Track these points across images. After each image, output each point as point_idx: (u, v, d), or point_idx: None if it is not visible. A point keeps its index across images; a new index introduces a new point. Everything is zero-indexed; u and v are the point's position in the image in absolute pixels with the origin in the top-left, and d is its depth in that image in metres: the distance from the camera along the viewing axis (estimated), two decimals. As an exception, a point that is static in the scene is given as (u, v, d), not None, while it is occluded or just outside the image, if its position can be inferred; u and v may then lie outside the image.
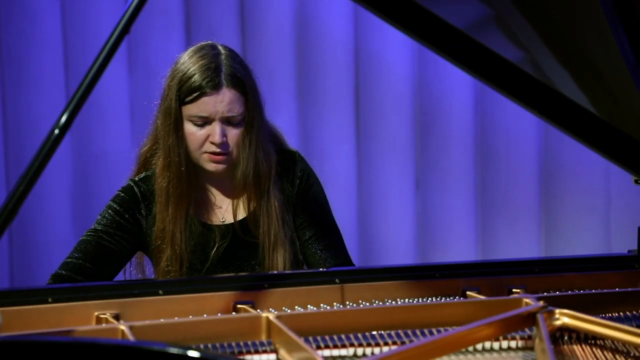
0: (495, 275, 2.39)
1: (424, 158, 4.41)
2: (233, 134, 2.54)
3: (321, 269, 2.56)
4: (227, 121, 2.53)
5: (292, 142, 4.39)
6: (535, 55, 2.25)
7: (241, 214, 2.64)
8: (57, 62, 4.47)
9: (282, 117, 4.41)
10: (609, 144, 2.20)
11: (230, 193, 2.65)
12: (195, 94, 2.51)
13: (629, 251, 2.52)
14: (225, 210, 2.65)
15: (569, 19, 2.24)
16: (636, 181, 2.37)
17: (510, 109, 4.20)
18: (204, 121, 2.53)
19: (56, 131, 1.89)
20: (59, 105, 4.27)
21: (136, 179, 2.66)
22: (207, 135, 2.53)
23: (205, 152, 2.55)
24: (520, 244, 4.33)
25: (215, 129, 2.52)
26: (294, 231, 2.67)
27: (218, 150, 2.53)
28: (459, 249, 4.38)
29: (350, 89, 4.44)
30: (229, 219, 2.64)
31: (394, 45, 4.35)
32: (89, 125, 4.44)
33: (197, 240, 2.61)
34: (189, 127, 2.54)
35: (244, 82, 2.53)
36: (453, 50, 2.08)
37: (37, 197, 4.33)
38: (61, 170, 4.46)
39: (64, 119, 1.90)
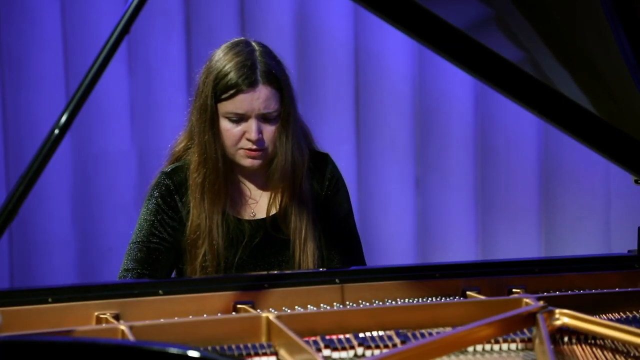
0: (495, 275, 2.39)
1: (424, 158, 4.41)
2: (269, 130, 2.55)
3: (321, 269, 2.56)
4: (262, 118, 2.53)
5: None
6: (535, 55, 2.25)
7: (273, 210, 2.64)
8: (57, 62, 4.47)
9: (282, 117, 4.41)
10: (609, 144, 2.21)
11: (263, 188, 2.64)
12: (231, 92, 2.52)
13: (629, 251, 2.52)
14: (257, 204, 2.65)
15: (569, 19, 2.24)
16: (636, 181, 2.37)
17: (510, 109, 4.20)
18: (240, 118, 2.53)
19: (56, 131, 1.89)
20: (59, 105, 4.27)
21: (167, 170, 2.64)
22: (243, 131, 2.53)
23: (241, 148, 2.55)
24: (520, 244, 4.33)
25: (252, 126, 2.52)
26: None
27: (254, 146, 2.53)
28: (459, 249, 4.38)
29: (350, 89, 4.44)
30: (260, 214, 2.64)
31: (394, 45, 4.35)
32: (89, 125, 4.44)
33: (231, 235, 2.61)
34: (225, 124, 2.55)
35: (279, 79, 2.54)
36: (453, 50, 2.08)
37: (37, 197, 4.33)
38: (61, 170, 4.46)
39: (64, 119, 1.90)
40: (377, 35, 4.35)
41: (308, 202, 2.62)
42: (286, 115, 2.56)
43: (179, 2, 4.50)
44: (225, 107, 2.53)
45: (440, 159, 4.38)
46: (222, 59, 2.55)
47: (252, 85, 2.51)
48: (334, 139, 4.42)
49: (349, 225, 2.71)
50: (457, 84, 4.32)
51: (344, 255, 2.67)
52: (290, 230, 2.61)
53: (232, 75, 2.51)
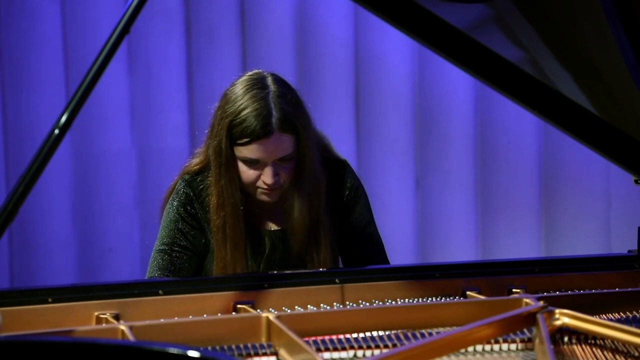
0: (495, 275, 2.39)
1: (424, 158, 4.41)
2: (285, 169, 2.53)
3: (321, 269, 2.56)
4: (278, 160, 2.51)
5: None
6: (535, 55, 2.25)
7: (290, 222, 2.61)
8: (57, 62, 4.47)
9: (282, 117, 4.40)
10: (609, 144, 2.20)
11: (281, 203, 2.61)
12: (246, 139, 2.49)
13: (629, 251, 2.52)
14: (275, 216, 2.64)
15: (569, 19, 2.24)
16: (636, 181, 2.37)
17: (510, 109, 4.20)
18: (256, 162, 2.51)
19: (56, 131, 1.89)
20: (59, 105, 4.27)
21: (186, 177, 2.63)
22: (258, 174, 2.52)
23: (258, 187, 2.54)
24: (520, 244, 4.33)
25: (268, 171, 2.51)
26: (339, 241, 2.67)
27: (270, 187, 2.52)
28: (459, 249, 4.38)
29: (350, 89, 4.44)
30: (277, 226, 2.64)
31: (394, 45, 4.35)
32: (89, 125, 4.45)
33: (254, 245, 2.61)
34: (241, 166, 2.53)
35: (294, 123, 2.51)
36: (453, 50, 2.08)
37: (37, 197, 4.33)
38: (61, 170, 4.46)
39: (64, 119, 1.89)
40: (377, 35, 4.35)
41: (325, 235, 2.60)
42: (302, 155, 2.54)
43: (179, 2, 4.50)
44: (240, 152, 2.51)
45: (440, 159, 4.38)
46: (238, 101, 2.51)
47: (267, 134, 2.48)
48: (334, 139, 4.40)
49: (370, 233, 2.71)
50: (457, 84, 4.31)
51: (371, 262, 2.66)
52: (307, 260, 2.60)
53: (248, 124, 2.48)
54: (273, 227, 2.64)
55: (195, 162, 2.65)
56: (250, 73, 2.59)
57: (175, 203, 2.61)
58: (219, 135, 2.53)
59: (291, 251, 2.61)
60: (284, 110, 2.50)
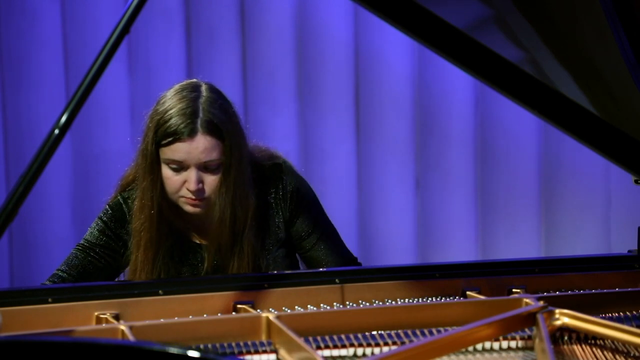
0: (495, 275, 2.40)
1: (424, 158, 4.41)
2: (210, 180, 2.48)
3: (321, 269, 2.56)
4: (203, 167, 2.47)
5: (292, 142, 4.42)
6: (535, 55, 2.25)
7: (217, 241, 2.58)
8: (57, 62, 4.47)
9: (282, 117, 4.41)
10: (609, 144, 2.20)
11: (209, 231, 2.59)
12: (169, 139, 2.46)
13: (629, 251, 2.53)
14: (204, 232, 2.61)
15: (569, 19, 2.24)
16: (636, 181, 2.37)
17: (510, 109, 4.20)
18: (180, 166, 2.47)
19: (56, 131, 1.89)
20: (59, 105, 4.27)
21: (126, 195, 2.61)
22: (183, 180, 2.48)
23: (182, 196, 2.50)
24: (520, 244, 4.32)
25: (191, 176, 2.46)
26: (289, 243, 2.65)
27: (194, 196, 2.48)
28: (459, 249, 4.38)
29: (350, 89, 4.44)
30: (207, 241, 2.60)
31: (394, 45, 4.34)
32: (89, 125, 4.45)
33: (185, 259, 2.59)
34: (166, 171, 2.49)
35: (220, 129, 2.47)
36: (453, 50, 2.08)
37: (37, 197, 4.33)
38: (61, 170, 4.47)
39: (64, 119, 1.90)
40: (377, 35, 4.35)
41: (249, 251, 2.55)
42: (228, 165, 2.48)
43: (179, 2, 4.50)
44: (165, 153, 2.48)
45: (440, 159, 4.38)
46: (166, 102, 2.49)
47: (190, 134, 2.44)
48: (334, 138, 4.42)
49: (323, 225, 2.68)
50: (457, 84, 4.31)
51: (330, 255, 2.65)
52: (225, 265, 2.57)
53: (172, 122, 2.45)
54: (204, 241, 2.61)
55: (129, 171, 2.64)
56: (186, 80, 2.57)
57: (109, 213, 2.60)
58: (147, 137, 2.50)
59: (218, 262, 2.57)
60: (211, 113, 2.47)
